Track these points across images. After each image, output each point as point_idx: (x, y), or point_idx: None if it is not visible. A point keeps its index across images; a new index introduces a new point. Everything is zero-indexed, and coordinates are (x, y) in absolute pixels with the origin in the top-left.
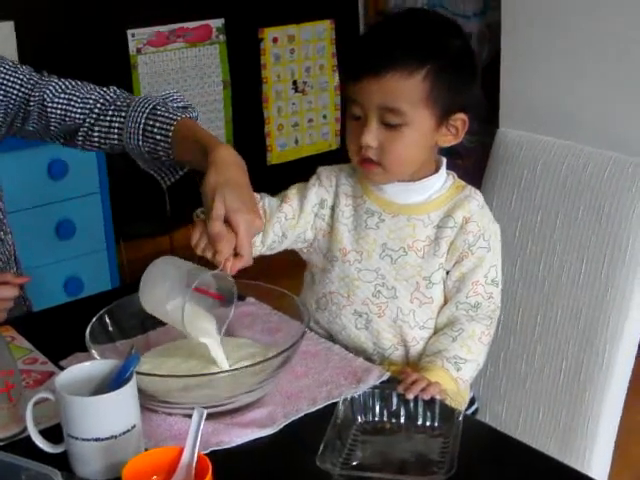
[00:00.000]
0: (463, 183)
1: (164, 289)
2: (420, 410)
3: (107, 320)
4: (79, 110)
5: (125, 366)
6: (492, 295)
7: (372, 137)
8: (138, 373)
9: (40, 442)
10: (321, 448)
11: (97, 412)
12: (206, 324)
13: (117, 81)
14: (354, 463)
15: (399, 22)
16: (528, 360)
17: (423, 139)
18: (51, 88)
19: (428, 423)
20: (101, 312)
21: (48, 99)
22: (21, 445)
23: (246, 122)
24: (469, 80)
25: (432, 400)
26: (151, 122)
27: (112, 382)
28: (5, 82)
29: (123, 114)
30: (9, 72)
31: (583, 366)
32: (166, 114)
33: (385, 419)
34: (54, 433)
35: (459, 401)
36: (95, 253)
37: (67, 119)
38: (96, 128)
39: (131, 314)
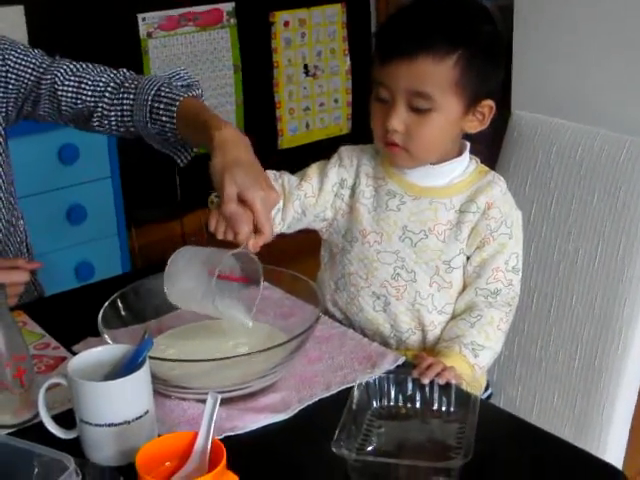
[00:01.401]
0: (486, 168)
1: (191, 285)
2: (436, 395)
3: (120, 304)
4: (89, 93)
5: (138, 351)
6: (512, 282)
7: (399, 121)
8: (151, 358)
9: (52, 428)
10: (336, 433)
11: (110, 397)
12: (235, 312)
13: (128, 65)
14: (369, 448)
15: (431, 4)
16: (543, 344)
17: (450, 125)
18: (62, 71)
19: (444, 408)
20: (113, 296)
21: (59, 82)
22: (33, 431)
23: (257, 106)
24: (497, 66)
25: (448, 385)
26: (157, 104)
27: (125, 367)
28: (17, 66)
29: (132, 96)
30: (21, 55)
31: (598, 350)
32: (170, 95)
33: (400, 404)
34: (67, 419)
35: (475, 387)
36: (106, 238)
37: (79, 102)
38: (112, 113)
39: (144, 298)
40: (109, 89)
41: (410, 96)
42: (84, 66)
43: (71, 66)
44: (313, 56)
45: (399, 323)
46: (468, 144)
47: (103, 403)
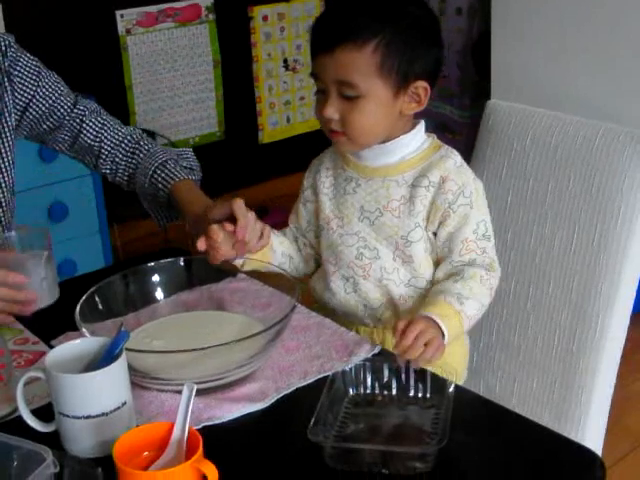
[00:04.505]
0: (440, 143)
1: None
2: (412, 382)
3: (97, 299)
4: (109, 136)
5: (114, 343)
6: (485, 250)
7: (333, 110)
8: (127, 350)
9: (31, 421)
10: (312, 421)
11: (87, 389)
12: None
13: (108, 63)
14: (346, 435)
15: None
16: (521, 330)
17: (382, 108)
18: (92, 108)
19: (420, 394)
20: (90, 291)
21: (87, 114)
22: (13, 425)
23: (237, 101)
24: (427, 47)
25: (423, 371)
26: (160, 172)
27: (102, 359)
28: (46, 86)
29: (142, 156)
30: (52, 80)
31: (576, 335)
32: (173, 170)
33: (377, 391)
34: (46, 412)
35: (459, 366)
36: (88, 236)
37: (97, 140)
38: (123, 163)
39: (120, 292)
40: (126, 141)
41: (338, 85)
42: (105, 112)
43: (98, 107)
44: (292, 50)
45: (370, 301)
46: (422, 122)
47: (80, 395)
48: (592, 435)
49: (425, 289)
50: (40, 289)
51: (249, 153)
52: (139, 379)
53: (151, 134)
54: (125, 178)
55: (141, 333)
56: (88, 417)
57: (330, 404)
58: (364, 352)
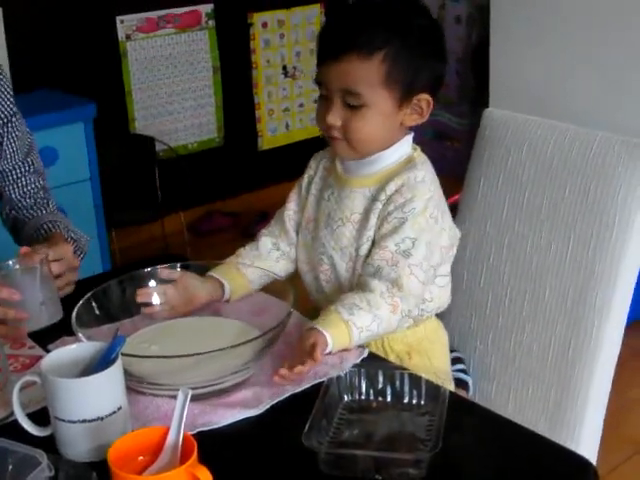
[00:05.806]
0: (416, 156)
1: None
2: (406, 388)
3: (93, 304)
4: (29, 168)
5: (110, 348)
6: (398, 264)
7: (336, 117)
8: (123, 355)
9: (27, 425)
10: (307, 427)
11: (83, 394)
12: None
13: (107, 68)
14: (340, 441)
15: (361, 5)
16: (517, 338)
17: (385, 119)
18: (25, 133)
19: (414, 401)
20: (87, 296)
21: (13, 137)
22: (8, 429)
23: (236, 108)
24: (432, 61)
25: (418, 378)
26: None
27: (98, 364)
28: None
29: (44, 211)
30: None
31: (571, 343)
32: (61, 228)
33: (371, 398)
34: (41, 416)
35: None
36: None
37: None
38: (23, 206)
39: (117, 298)
40: (41, 191)
41: (343, 94)
42: (35, 151)
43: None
44: (292, 57)
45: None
46: (411, 134)
47: (75, 399)
48: (587, 443)
49: None
50: (37, 305)
51: (248, 159)
52: (135, 384)
53: (150, 140)
54: (9, 222)
55: (137, 338)
56: (84, 421)
57: (325, 410)
58: (353, 357)
